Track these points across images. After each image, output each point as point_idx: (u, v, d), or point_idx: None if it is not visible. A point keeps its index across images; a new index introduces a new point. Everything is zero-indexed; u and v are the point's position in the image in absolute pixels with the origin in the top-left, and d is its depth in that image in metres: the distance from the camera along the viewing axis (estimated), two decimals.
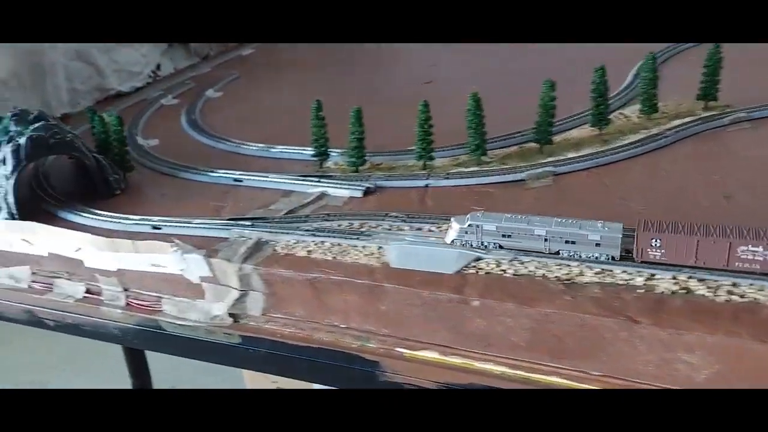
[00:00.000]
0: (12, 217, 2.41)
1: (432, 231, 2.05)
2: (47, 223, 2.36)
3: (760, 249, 1.59)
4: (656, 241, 1.68)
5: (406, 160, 2.66)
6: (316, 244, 2.06)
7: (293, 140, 2.95)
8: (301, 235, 2.10)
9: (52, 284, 2.44)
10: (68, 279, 2.40)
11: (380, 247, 2.00)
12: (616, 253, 1.75)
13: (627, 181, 2.29)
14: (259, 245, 2.10)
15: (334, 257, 1.97)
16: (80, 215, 2.46)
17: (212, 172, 2.77)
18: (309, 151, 2.77)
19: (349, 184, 2.46)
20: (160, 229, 2.30)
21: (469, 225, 1.91)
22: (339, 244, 2.03)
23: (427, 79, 3.79)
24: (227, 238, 2.18)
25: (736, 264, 1.65)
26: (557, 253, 1.80)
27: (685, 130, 2.56)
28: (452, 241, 1.94)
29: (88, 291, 2.38)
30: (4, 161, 2.47)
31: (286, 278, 1.95)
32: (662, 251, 1.68)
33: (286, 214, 2.32)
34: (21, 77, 3.59)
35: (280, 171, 2.71)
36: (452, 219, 1.98)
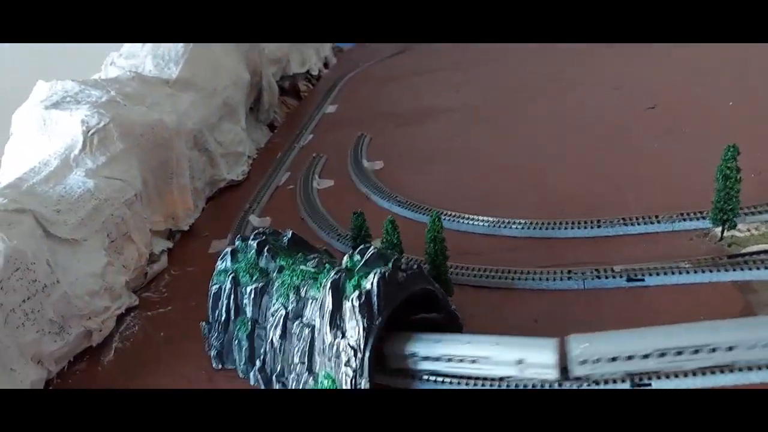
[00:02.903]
0: None
1: None
2: None
3: None
4: None
5: None
6: None
7: (580, 209, 2.24)
8: None
9: None
10: None
11: None
12: None
13: None
14: None
15: None
16: None
17: (569, 272, 1.90)
18: (672, 220, 2.00)
19: None
20: None
21: None
22: None
23: (650, 104, 3.10)
24: None
25: None
26: None
27: None
28: None
29: None
30: (344, 328, 1.49)
31: None
32: None
33: None
34: (148, 186, 2.52)
35: (671, 255, 1.90)
36: None
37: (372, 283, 1.50)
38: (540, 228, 2.22)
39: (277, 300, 1.69)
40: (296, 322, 1.64)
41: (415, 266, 1.61)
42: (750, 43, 3.55)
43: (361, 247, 1.64)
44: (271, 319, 1.69)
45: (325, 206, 2.81)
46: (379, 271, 1.51)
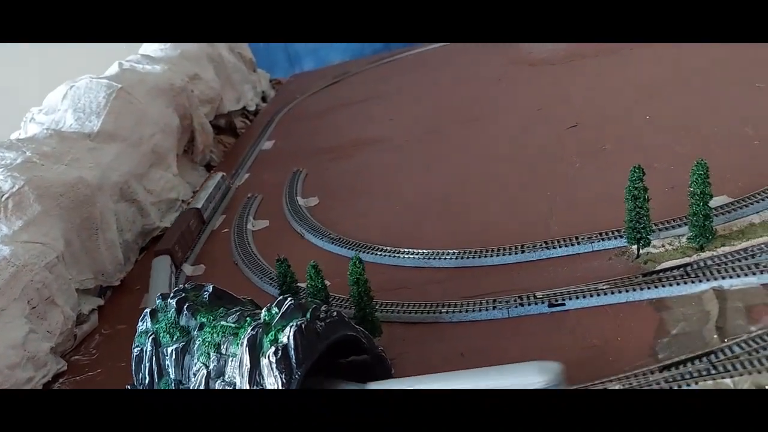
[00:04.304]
0: None
1: None
2: None
3: None
4: None
5: (746, 216, 2.02)
6: None
7: (508, 237, 2.28)
8: None
9: None
10: None
11: None
12: None
13: None
14: None
15: None
16: None
17: (494, 302, 1.93)
18: (591, 241, 2.05)
19: (742, 268, 1.76)
20: None
21: None
22: None
23: (569, 123, 3.18)
24: None
25: None
26: None
27: None
28: None
29: None
30: (263, 384, 1.47)
31: None
32: None
33: (720, 337, 1.57)
34: (72, 245, 2.46)
35: (591, 276, 1.94)
36: None
37: (288, 337, 1.49)
38: (468, 257, 2.24)
39: (198, 359, 1.66)
40: (218, 381, 1.61)
41: (335, 314, 1.61)
42: (670, 59, 3.72)
43: (279, 298, 1.62)
44: (193, 379, 1.66)
45: (259, 249, 2.79)
46: (295, 323, 1.51)
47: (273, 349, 1.48)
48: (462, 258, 2.25)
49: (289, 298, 1.60)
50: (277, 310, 1.58)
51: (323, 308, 1.63)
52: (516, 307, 1.90)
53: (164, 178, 3.25)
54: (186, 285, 1.87)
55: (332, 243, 2.60)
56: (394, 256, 2.38)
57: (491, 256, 2.21)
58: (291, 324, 1.51)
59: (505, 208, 2.60)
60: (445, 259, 2.28)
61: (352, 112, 4.61)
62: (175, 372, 1.72)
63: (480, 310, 1.93)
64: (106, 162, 2.75)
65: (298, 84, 6.08)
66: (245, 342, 1.52)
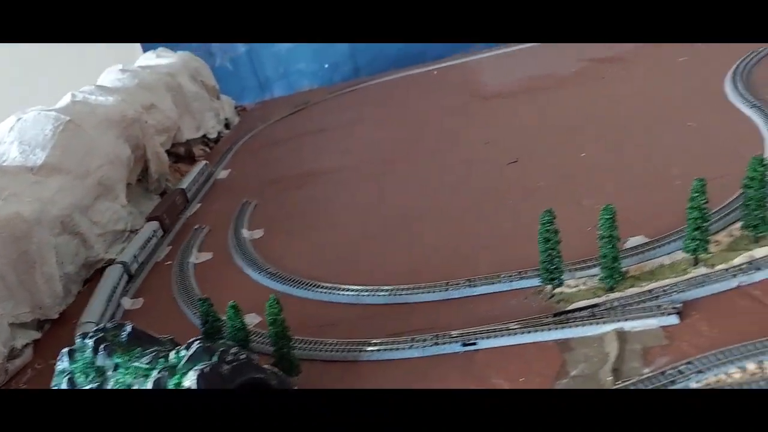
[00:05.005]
0: None
1: None
2: None
3: None
4: None
5: (657, 257, 2.10)
6: None
7: (438, 273, 2.34)
8: None
9: None
10: None
11: None
12: None
13: None
14: None
15: None
16: None
17: (412, 341, 1.98)
18: (512, 279, 2.13)
19: (644, 310, 1.84)
20: None
21: None
22: None
23: (511, 159, 3.27)
24: None
25: None
26: None
27: None
28: None
29: None
30: None
31: None
32: None
33: (616, 381, 1.63)
34: (7, 279, 2.48)
35: (506, 316, 2.00)
36: None
37: (191, 381, 1.52)
38: (396, 295, 2.29)
39: None
40: None
41: (243, 356, 1.65)
42: (621, 94, 3.83)
43: (190, 341, 1.66)
44: None
45: (198, 283, 2.82)
46: (199, 367, 1.54)
47: None
48: (391, 295, 2.30)
49: (198, 342, 1.64)
50: (185, 353, 1.62)
51: (233, 350, 1.67)
52: (432, 346, 1.95)
53: (111, 209, 3.27)
54: (106, 324, 1.90)
55: (269, 278, 2.64)
56: (328, 293, 2.42)
57: (418, 293, 2.27)
58: (195, 368, 1.55)
59: (440, 243, 2.66)
60: (376, 295, 2.33)
61: (310, 141, 4.68)
62: None
63: (398, 349, 1.98)
64: (47, 196, 2.77)
65: (263, 111, 6.15)
66: (150, 385, 1.56)
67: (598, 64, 4.55)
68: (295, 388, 1.80)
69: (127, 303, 2.76)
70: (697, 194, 1.93)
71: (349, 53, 7.43)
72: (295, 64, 7.76)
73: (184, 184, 3.94)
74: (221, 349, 1.63)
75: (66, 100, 3.56)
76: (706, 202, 1.94)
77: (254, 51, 7.72)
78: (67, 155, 3.07)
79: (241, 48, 7.78)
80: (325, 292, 2.42)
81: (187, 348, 1.63)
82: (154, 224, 3.35)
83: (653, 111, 3.50)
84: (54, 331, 2.75)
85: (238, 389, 1.62)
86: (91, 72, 4.69)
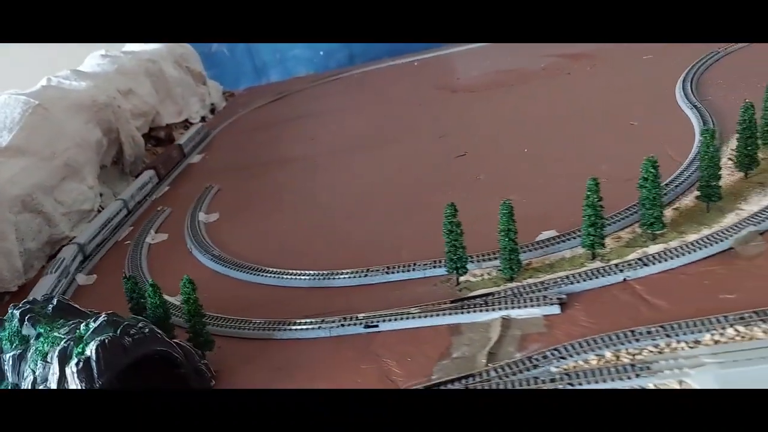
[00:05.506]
0: None
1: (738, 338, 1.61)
2: None
3: None
4: None
5: (560, 251, 2.21)
6: None
7: (367, 260, 2.46)
8: None
9: None
10: None
11: (681, 381, 1.53)
12: None
13: None
14: None
15: None
16: None
17: (322, 322, 2.12)
18: (425, 269, 2.25)
19: (531, 300, 1.96)
20: None
21: None
22: None
23: (460, 152, 3.39)
24: None
25: None
26: None
27: None
28: None
29: None
30: (66, 387, 1.66)
31: None
32: None
33: (488, 363, 1.76)
34: None
35: (413, 301, 2.13)
36: None
37: (92, 350, 1.68)
38: (320, 279, 2.43)
39: (29, 366, 1.85)
40: (42, 386, 1.80)
41: (147, 330, 1.80)
42: (579, 91, 3.91)
43: (99, 314, 1.82)
44: (23, 383, 1.85)
45: (149, 263, 2.97)
46: (99, 338, 1.70)
47: (76, 360, 1.66)
48: (314, 279, 2.44)
49: (103, 315, 1.79)
50: (93, 325, 1.77)
51: (140, 325, 1.82)
52: (338, 327, 2.09)
53: (77, 190, 3.43)
54: (35, 297, 2.06)
55: (211, 260, 2.79)
56: (257, 275, 2.57)
57: (339, 278, 2.40)
58: (97, 339, 1.70)
59: (372, 232, 2.80)
60: (300, 279, 2.47)
61: (284, 129, 4.82)
62: (12, 376, 1.91)
63: (307, 330, 2.12)
64: (7, 176, 2.93)
65: (250, 97, 6.29)
66: (56, 353, 1.71)
67: (566, 60, 4.63)
68: (202, 363, 1.95)
69: (81, 279, 2.93)
70: (590, 193, 2.04)
71: None
72: (291, 50, 7.88)
73: (182, 141, 4.68)
74: (125, 323, 1.78)
75: (40, 84, 3.72)
76: (600, 200, 2.05)
77: None
78: (33, 138, 3.23)
79: None
80: (255, 275, 2.56)
81: (95, 321, 1.78)
82: (118, 204, 3.57)
83: (605, 108, 3.59)
84: (12, 303, 2.92)
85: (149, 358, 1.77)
86: (84, 54, 4.84)
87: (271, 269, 2.55)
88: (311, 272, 2.47)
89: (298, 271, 2.49)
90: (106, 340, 1.69)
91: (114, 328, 1.76)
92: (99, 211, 3.61)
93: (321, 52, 7.74)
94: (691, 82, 3.54)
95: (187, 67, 5.58)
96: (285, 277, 2.48)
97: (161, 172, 4.10)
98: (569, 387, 1.60)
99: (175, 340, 1.91)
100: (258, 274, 2.56)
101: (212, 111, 6.01)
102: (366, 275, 2.37)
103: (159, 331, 1.85)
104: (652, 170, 2.05)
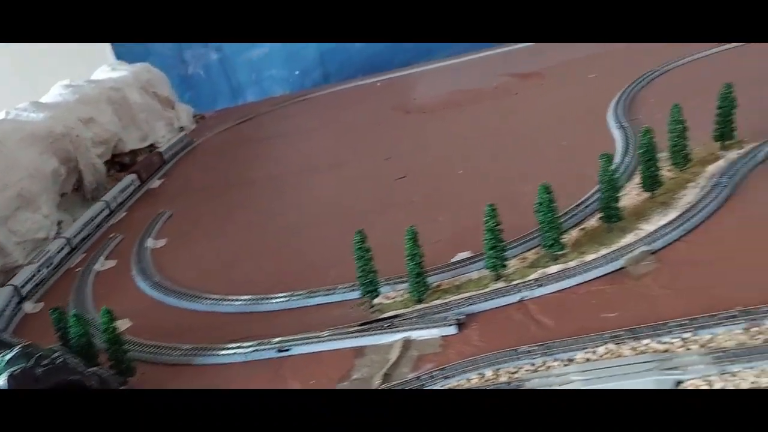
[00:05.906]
0: None
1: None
2: None
3: None
4: None
5: (466, 273, 2.32)
6: None
7: (298, 283, 2.56)
8: None
9: None
10: None
11: None
12: None
13: (737, 240, 2.10)
14: None
15: None
16: None
17: (238, 347, 2.22)
18: (344, 292, 2.36)
19: (432, 321, 2.06)
20: None
21: None
22: None
23: (401, 174, 3.50)
24: None
25: None
26: None
27: (735, 171, 2.47)
28: None
29: None
30: None
31: None
32: None
33: (382, 384, 1.86)
34: None
35: (329, 324, 2.23)
36: None
37: (3, 381, 1.78)
38: (247, 304, 2.54)
39: None
40: None
41: (60, 360, 1.90)
42: (526, 111, 4.02)
43: (16, 346, 1.92)
44: None
45: (94, 290, 3.08)
46: (11, 369, 1.80)
47: None
48: (243, 304, 2.55)
49: (18, 347, 1.89)
50: (8, 356, 1.87)
51: (54, 355, 1.92)
52: (252, 352, 2.19)
53: (32, 219, 3.54)
54: None
55: (151, 287, 2.89)
56: (191, 302, 2.67)
57: (264, 303, 2.51)
58: (9, 370, 1.80)
59: (312, 252, 2.91)
60: (230, 305, 2.57)
61: (246, 151, 4.94)
62: None
63: (224, 355, 2.22)
64: None
65: (220, 119, 6.41)
66: None
67: (517, 80, 4.76)
68: (123, 387, 2.05)
69: (29, 307, 3.03)
70: (488, 218, 2.15)
71: (319, 60, 7.69)
72: (267, 71, 8.03)
73: (163, 149, 5.18)
74: (39, 354, 1.89)
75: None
76: (498, 225, 2.16)
77: (226, 58, 8.00)
78: None
79: (213, 55, 8.07)
80: (189, 301, 2.67)
81: (11, 352, 1.88)
82: (101, 204, 4.10)
83: (543, 128, 3.71)
84: None
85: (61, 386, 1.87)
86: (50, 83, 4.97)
87: (206, 296, 2.65)
88: (245, 297, 2.57)
89: (233, 297, 2.60)
90: (17, 372, 1.80)
91: (27, 359, 1.86)
92: (58, 236, 3.71)
93: (297, 72, 7.89)
94: (625, 102, 3.66)
95: (153, 92, 5.70)
96: (222, 303, 2.59)
97: (143, 176, 4.64)
98: None
99: (93, 368, 2.02)
100: (195, 301, 2.66)
101: None
102: (288, 300, 2.48)
103: (74, 361, 1.95)
104: (546, 195, 2.16)
